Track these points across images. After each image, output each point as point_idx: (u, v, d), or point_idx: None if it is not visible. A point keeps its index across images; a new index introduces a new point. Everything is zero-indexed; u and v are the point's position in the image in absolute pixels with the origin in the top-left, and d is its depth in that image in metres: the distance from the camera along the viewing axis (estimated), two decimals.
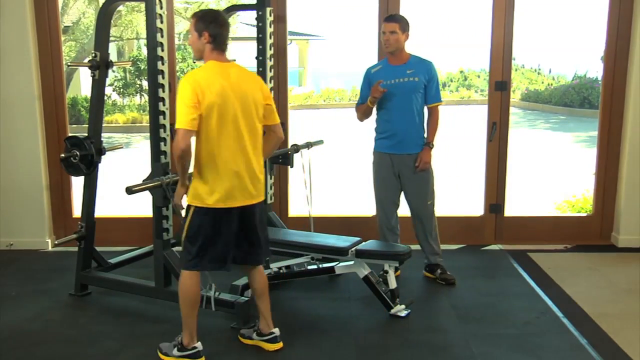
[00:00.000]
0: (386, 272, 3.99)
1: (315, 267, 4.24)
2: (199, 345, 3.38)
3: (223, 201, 3.21)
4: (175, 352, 3.38)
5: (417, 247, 4.54)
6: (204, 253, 3.26)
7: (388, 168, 4.43)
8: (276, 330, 3.52)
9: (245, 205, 3.28)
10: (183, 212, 3.35)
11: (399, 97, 4.32)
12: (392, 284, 3.96)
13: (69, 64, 5.77)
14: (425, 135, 4.41)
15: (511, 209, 5.50)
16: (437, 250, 4.55)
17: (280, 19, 5.11)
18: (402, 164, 4.40)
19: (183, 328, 3.37)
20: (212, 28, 3.19)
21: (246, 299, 3.79)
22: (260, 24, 4.74)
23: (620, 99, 5.22)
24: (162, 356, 3.41)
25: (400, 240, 4.57)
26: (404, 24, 4.31)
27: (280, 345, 3.50)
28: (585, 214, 5.91)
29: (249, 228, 3.35)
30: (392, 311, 3.92)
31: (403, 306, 3.94)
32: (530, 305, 4.13)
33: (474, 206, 5.54)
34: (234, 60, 5.01)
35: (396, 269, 4.34)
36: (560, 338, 3.67)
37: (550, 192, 7.64)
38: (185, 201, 3.32)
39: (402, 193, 4.50)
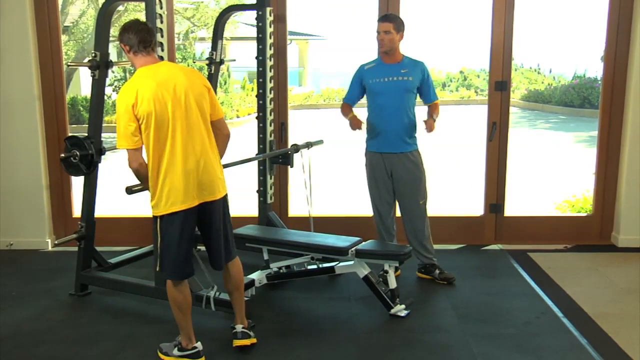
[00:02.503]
0: (386, 272, 3.99)
1: (315, 267, 4.24)
2: (198, 345, 3.37)
3: (180, 204, 3.18)
4: (175, 352, 3.38)
5: None
6: (174, 258, 3.26)
7: (380, 167, 4.42)
8: (238, 327, 3.49)
9: (205, 202, 3.26)
10: None
11: (390, 95, 4.31)
12: (392, 284, 3.96)
13: (68, 63, 5.75)
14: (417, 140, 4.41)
15: (511, 209, 5.50)
16: (430, 250, 4.53)
17: (280, 19, 5.11)
18: (393, 162, 4.38)
19: (181, 332, 3.38)
20: (124, 38, 3.21)
21: (246, 299, 3.78)
22: (260, 24, 4.74)
23: (620, 99, 5.21)
24: (162, 356, 3.41)
25: (396, 240, 4.56)
26: (398, 24, 4.30)
27: (243, 342, 3.47)
28: (585, 214, 5.90)
29: (215, 224, 3.33)
30: (392, 311, 3.92)
31: (403, 306, 3.94)
32: (530, 305, 4.13)
33: (474, 206, 5.54)
34: (234, 60, 5.01)
35: (396, 269, 4.34)
36: (560, 338, 3.67)
37: (550, 192, 7.64)
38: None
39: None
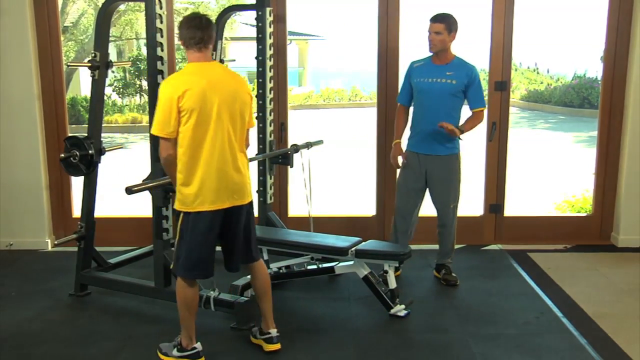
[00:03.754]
0: (386, 272, 3.99)
1: (315, 267, 4.24)
2: (198, 345, 3.37)
3: (210, 204, 3.19)
4: (175, 352, 3.38)
5: (417, 247, 4.54)
6: (196, 258, 3.25)
7: (415, 167, 4.37)
8: (273, 332, 3.49)
9: (233, 206, 3.27)
10: None
11: (433, 97, 4.26)
12: (392, 284, 3.96)
13: (68, 64, 5.75)
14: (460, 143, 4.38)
15: (511, 209, 5.50)
16: (449, 252, 4.53)
17: (280, 19, 5.11)
18: (429, 164, 4.35)
19: (182, 330, 3.38)
20: (185, 32, 3.20)
21: (246, 299, 3.79)
22: (259, 24, 4.74)
23: (620, 99, 5.21)
24: (161, 356, 3.41)
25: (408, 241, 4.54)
26: (450, 24, 4.21)
27: (276, 346, 3.47)
28: (585, 214, 5.91)
29: (236, 229, 3.33)
30: (392, 311, 3.92)
31: (403, 306, 3.94)
32: (530, 305, 4.13)
33: (474, 206, 5.54)
34: (234, 60, 5.02)
35: (397, 269, 4.34)
36: (560, 338, 3.67)
37: (550, 192, 7.64)
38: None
39: (428, 192, 4.47)
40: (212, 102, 3.13)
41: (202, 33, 3.20)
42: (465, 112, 4.36)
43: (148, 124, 3.85)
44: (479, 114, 4.35)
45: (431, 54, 4.33)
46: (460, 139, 4.33)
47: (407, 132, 4.49)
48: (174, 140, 3.14)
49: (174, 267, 3.34)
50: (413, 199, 4.44)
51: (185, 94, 3.08)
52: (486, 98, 5.34)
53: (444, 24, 4.20)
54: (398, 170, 4.55)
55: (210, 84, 3.15)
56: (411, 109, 4.48)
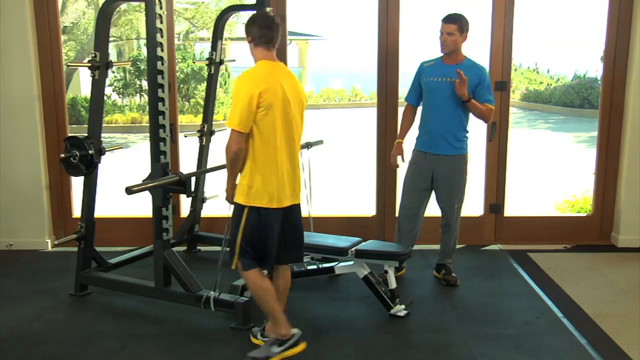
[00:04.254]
0: (386, 272, 3.99)
1: (315, 267, 4.25)
2: (296, 330, 3.35)
3: (276, 201, 3.24)
4: (276, 349, 3.32)
5: (417, 247, 4.54)
6: (258, 252, 3.28)
7: (422, 166, 4.36)
8: (295, 330, 3.43)
9: (292, 205, 3.34)
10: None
11: (441, 96, 4.25)
12: (392, 284, 3.96)
13: (68, 64, 5.75)
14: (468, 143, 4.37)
15: (511, 209, 5.50)
16: (450, 253, 4.54)
17: (280, 19, 5.09)
18: (436, 163, 4.34)
19: (274, 323, 3.33)
20: (257, 30, 3.24)
21: (246, 299, 3.79)
22: None
23: (620, 99, 5.21)
24: None
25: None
26: (462, 25, 4.20)
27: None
28: (585, 214, 5.91)
29: (293, 227, 3.39)
30: (392, 311, 3.92)
31: (402, 306, 3.94)
32: (530, 305, 4.13)
33: (474, 206, 5.54)
34: (234, 60, 4.99)
35: (400, 268, 4.34)
36: (560, 338, 3.67)
37: (550, 192, 7.63)
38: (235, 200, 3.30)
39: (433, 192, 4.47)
40: (285, 100, 3.20)
41: (272, 33, 3.26)
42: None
43: (149, 124, 3.86)
44: (488, 108, 4.29)
45: (442, 54, 4.33)
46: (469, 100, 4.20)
47: (415, 132, 4.49)
48: (246, 135, 3.17)
49: (238, 261, 3.30)
50: (419, 198, 4.44)
51: (265, 91, 3.13)
52: None
53: (456, 24, 4.19)
54: (398, 170, 4.55)
55: (286, 83, 3.22)
56: (419, 110, 4.48)
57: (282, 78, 3.25)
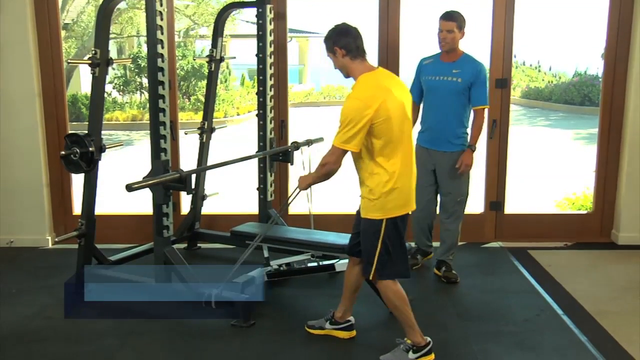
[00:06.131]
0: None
1: (315, 264, 4.24)
2: (429, 339, 3.34)
3: (408, 207, 3.25)
4: (411, 355, 3.30)
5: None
6: (395, 261, 3.26)
7: (424, 161, 4.38)
8: (352, 319, 3.62)
9: (407, 212, 3.30)
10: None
11: (439, 95, 4.29)
12: None
13: (69, 61, 5.74)
14: (469, 138, 4.37)
15: (511, 207, 5.50)
16: (450, 248, 4.54)
17: (281, 16, 5.10)
18: (438, 160, 4.39)
19: (408, 332, 3.31)
20: (348, 41, 3.15)
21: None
22: (260, 21, 4.74)
23: (620, 97, 5.21)
24: None
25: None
26: (460, 22, 4.24)
27: (354, 333, 3.62)
28: (585, 212, 5.91)
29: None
30: None
31: None
32: (530, 302, 4.14)
33: (474, 203, 5.53)
34: (234, 57, 4.95)
35: (427, 253, 4.59)
36: (560, 335, 3.68)
37: (550, 189, 7.64)
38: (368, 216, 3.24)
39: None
40: (402, 109, 3.14)
41: (362, 42, 3.19)
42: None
43: (149, 121, 3.86)
44: (481, 112, 4.35)
45: (440, 51, 4.36)
46: (474, 149, 4.36)
47: (417, 127, 4.49)
48: (358, 153, 3.13)
49: (379, 274, 3.27)
50: (424, 194, 4.46)
51: (379, 105, 3.03)
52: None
53: (455, 22, 4.22)
54: None
55: (397, 93, 3.14)
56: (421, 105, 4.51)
57: (389, 84, 3.15)
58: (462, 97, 4.29)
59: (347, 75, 3.25)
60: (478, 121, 4.35)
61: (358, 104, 3.06)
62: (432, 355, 3.33)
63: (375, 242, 3.22)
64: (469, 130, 4.38)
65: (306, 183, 3.41)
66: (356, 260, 3.49)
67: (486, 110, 4.38)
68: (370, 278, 3.31)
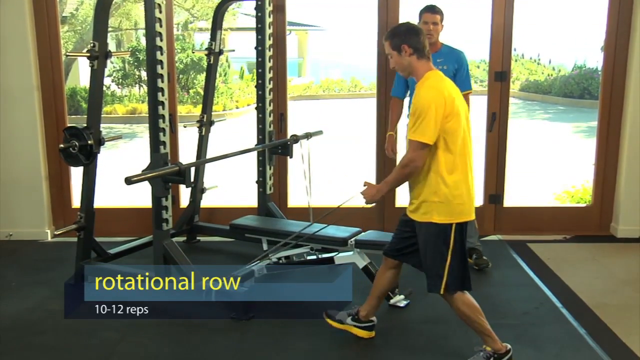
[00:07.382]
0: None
1: (314, 257, 4.24)
2: (509, 346, 3.22)
3: (469, 213, 3.12)
4: None
5: None
6: (462, 270, 3.13)
7: None
8: (375, 319, 3.55)
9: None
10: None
11: None
12: None
13: (67, 54, 5.73)
14: None
15: (510, 200, 5.50)
16: (474, 234, 4.53)
17: (280, 9, 5.09)
18: None
19: (487, 340, 3.19)
20: (412, 40, 3.06)
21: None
22: (259, 14, 4.73)
23: (620, 90, 5.20)
24: None
25: None
26: (442, 15, 4.33)
27: (373, 334, 3.55)
28: (584, 205, 5.91)
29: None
30: (392, 301, 3.93)
31: (402, 296, 3.95)
32: (529, 295, 4.14)
33: None
34: (233, 50, 4.92)
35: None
36: (559, 328, 3.68)
37: (549, 182, 7.64)
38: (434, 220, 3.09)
39: None
40: (463, 114, 3.07)
41: (425, 39, 3.11)
42: None
43: (148, 114, 3.85)
44: (466, 97, 4.36)
45: None
46: None
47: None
48: (426, 148, 2.99)
49: (449, 285, 3.12)
50: None
51: (451, 101, 2.99)
52: (486, 88, 5.36)
53: (440, 15, 4.31)
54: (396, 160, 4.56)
55: (459, 93, 3.11)
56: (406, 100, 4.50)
57: (449, 87, 3.09)
58: None
59: (408, 75, 3.17)
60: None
61: (434, 92, 2.98)
62: None
63: (444, 253, 3.07)
64: None
65: (380, 193, 3.19)
66: (392, 263, 3.41)
67: (470, 96, 4.38)
68: (440, 293, 3.15)
